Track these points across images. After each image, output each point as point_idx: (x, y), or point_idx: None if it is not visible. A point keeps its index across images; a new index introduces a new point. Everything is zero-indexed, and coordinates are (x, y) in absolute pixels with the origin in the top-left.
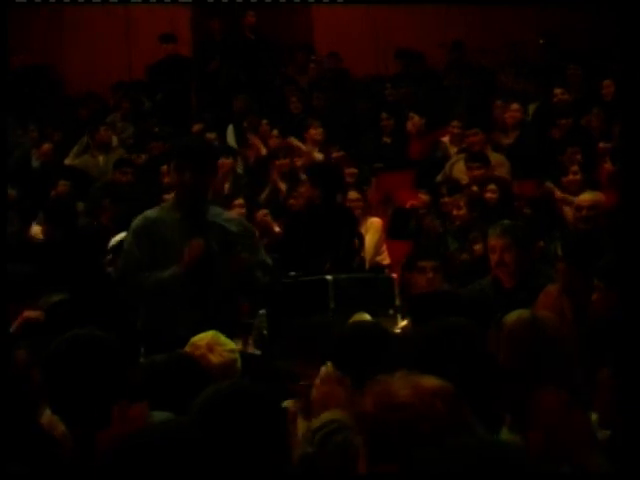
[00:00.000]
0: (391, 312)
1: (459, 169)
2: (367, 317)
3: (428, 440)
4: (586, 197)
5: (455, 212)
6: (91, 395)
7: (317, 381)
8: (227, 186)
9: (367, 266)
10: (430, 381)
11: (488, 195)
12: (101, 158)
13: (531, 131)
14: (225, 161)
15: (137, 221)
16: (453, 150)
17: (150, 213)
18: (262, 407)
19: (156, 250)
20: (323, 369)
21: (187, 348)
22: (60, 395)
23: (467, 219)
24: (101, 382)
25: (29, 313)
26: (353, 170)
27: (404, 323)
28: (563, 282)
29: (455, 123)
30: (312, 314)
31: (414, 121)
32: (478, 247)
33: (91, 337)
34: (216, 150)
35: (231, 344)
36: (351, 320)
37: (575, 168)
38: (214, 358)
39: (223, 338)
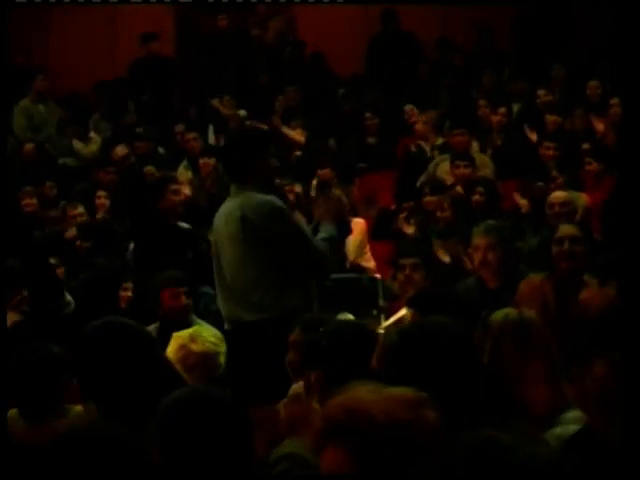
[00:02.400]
0: (375, 313)
1: (443, 170)
2: (350, 318)
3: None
4: (558, 194)
5: (439, 213)
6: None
7: (286, 400)
8: (210, 186)
9: (349, 267)
10: (407, 392)
11: (476, 198)
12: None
13: (516, 134)
14: (207, 161)
15: (279, 202)
16: (427, 150)
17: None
18: (222, 413)
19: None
20: (294, 387)
21: (172, 341)
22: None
23: (451, 220)
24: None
25: None
26: (326, 172)
27: (388, 322)
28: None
29: (421, 117)
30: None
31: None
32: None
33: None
34: None
35: (215, 338)
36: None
37: (555, 174)
38: (195, 347)
39: (207, 332)
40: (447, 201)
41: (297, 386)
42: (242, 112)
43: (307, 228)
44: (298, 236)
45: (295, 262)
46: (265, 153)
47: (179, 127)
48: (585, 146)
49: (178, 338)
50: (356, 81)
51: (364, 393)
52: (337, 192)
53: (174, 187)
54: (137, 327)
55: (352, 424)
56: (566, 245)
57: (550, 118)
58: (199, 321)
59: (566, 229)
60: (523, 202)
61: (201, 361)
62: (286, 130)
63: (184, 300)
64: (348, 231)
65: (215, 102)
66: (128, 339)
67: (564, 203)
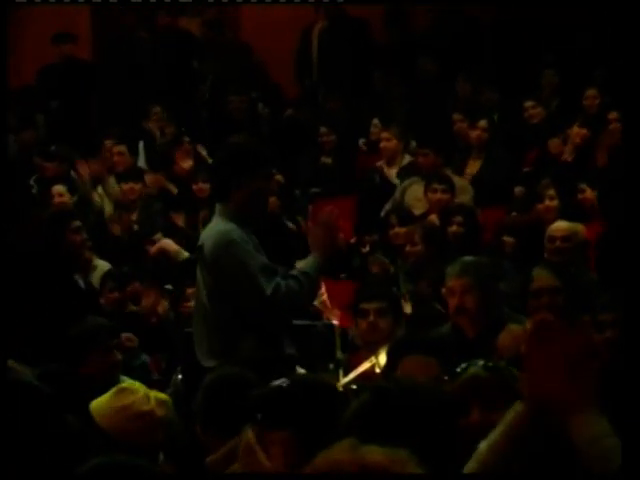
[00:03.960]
0: (331, 366)
1: (413, 195)
2: (301, 373)
3: None
4: (560, 226)
5: (409, 248)
6: None
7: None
8: (134, 217)
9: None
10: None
11: (454, 229)
12: None
13: (499, 153)
14: (134, 186)
15: (234, 233)
16: (392, 172)
17: (233, 226)
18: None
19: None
20: (247, 434)
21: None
22: None
23: (423, 256)
24: None
25: None
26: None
27: (348, 378)
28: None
29: (386, 134)
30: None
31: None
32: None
33: None
34: None
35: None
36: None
37: (551, 193)
38: (159, 411)
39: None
40: (419, 233)
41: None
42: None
43: (261, 264)
44: (240, 272)
45: (238, 303)
46: (256, 175)
47: (108, 143)
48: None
49: (142, 400)
50: (308, 89)
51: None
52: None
53: (75, 224)
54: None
55: None
56: (545, 298)
57: (553, 142)
58: (124, 378)
59: (543, 278)
60: (509, 240)
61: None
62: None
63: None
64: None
65: (156, 110)
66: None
67: (567, 237)
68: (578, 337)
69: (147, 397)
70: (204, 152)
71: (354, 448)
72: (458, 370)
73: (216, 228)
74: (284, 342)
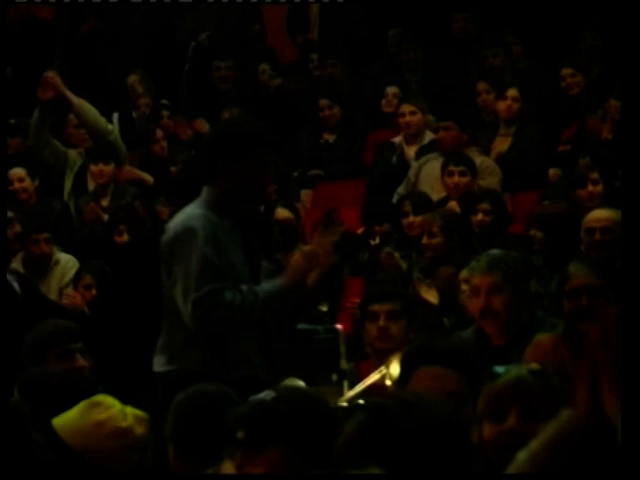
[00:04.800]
0: (335, 378)
1: (430, 176)
2: (300, 386)
3: None
4: (599, 215)
5: (426, 240)
6: None
7: None
8: (106, 202)
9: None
10: None
11: (479, 217)
12: None
13: (531, 128)
14: (104, 168)
15: (198, 221)
16: (411, 152)
17: (202, 214)
18: None
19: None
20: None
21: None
22: None
23: (443, 249)
24: None
25: None
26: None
27: (354, 392)
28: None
29: (410, 107)
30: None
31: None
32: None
33: None
34: None
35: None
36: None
37: (595, 176)
38: (138, 430)
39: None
40: (437, 222)
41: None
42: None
43: (210, 262)
44: (181, 264)
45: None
46: (246, 160)
47: (72, 116)
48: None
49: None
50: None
51: None
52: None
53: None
54: None
55: None
56: (584, 300)
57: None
58: None
59: (581, 276)
60: (538, 234)
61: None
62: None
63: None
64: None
65: (132, 79)
66: None
67: (609, 228)
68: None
69: (124, 413)
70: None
71: None
72: (500, 371)
73: (185, 211)
74: (252, 361)
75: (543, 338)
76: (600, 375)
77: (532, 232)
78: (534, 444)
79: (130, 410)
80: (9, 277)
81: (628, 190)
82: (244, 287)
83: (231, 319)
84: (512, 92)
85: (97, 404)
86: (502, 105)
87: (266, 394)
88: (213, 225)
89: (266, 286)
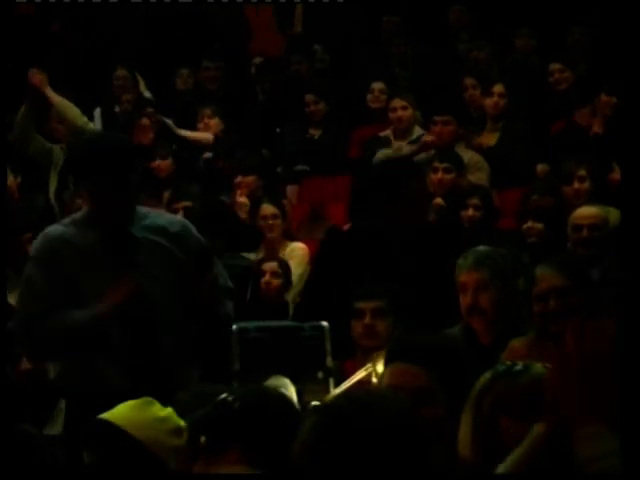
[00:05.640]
0: (320, 375)
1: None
2: (286, 384)
3: None
4: (586, 212)
5: None
6: None
7: None
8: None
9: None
10: None
11: (469, 213)
12: None
13: (519, 124)
14: None
15: (37, 243)
16: (398, 146)
17: (53, 231)
18: None
19: (65, 283)
20: None
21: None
22: None
23: None
24: None
25: None
26: (249, 179)
27: (340, 389)
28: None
29: (401, 102)
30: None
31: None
32: None
33: None
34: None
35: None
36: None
37: (582, 173)
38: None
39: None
40: None
41: None
42: (147, 93)
43: (32, 285)
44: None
45: None
46: (86, 181)
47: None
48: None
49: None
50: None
51: None
52: None
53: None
54: None
55: None
56: (552, 302)
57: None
58: None
59: (548, 279)
60: (536, 226)
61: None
62: (185, 132)
63: None
64: None
65: (119, 73)
66: None
67: (596, 225)
68: (592, 345)
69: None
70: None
71: None
72: (518, 368)
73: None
74: (109, 376)
75: (517, 343)
76: (573, 386)
77: (529, 225)
78: (510, 458)
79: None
80: None
81: (627, 186)
82: (57, 313)
83: (35, 345)
84: (498, 88)
85: (151, 402)
86: (489, 101)
87: (225, 395)
88: (54, 242)
89: (79, 314)
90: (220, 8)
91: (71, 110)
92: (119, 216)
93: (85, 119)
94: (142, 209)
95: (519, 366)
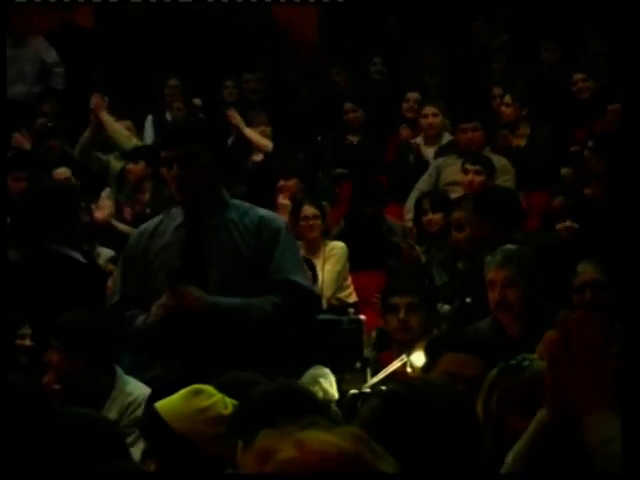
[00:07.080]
0: (358, 366)
1: (450, 175)
2: (326, 373)
3: None
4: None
5: (455, 234)
6: None
7: None
8: (146, 198)
9: (326, 305)
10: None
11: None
12: None
13: (545, 129)
14: (134, 167)
15: (131, 237)
16: (429, 152)
17: (148, 224)
18: None
19: (139, 275)
20: None
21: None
22: None
23: (478, 236)
24: None
25: None
26: (291, 182)
27: (376, 379)
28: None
29: (432, 109)
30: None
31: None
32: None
33: None
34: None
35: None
36: (304, 377)
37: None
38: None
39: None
40: (468, 212)
41: None
42: (197, 100)
43: None
44: None
45: None
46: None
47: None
48: None
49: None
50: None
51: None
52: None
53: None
54: None
55: None
56: (588, 294)
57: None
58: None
59: (587, 272)
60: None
61: None
62: (250, 132)
63: None
64: None
65: (172, 82)
66: None
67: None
68: (597, 333)
69: (224, 402)
70: None
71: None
72: (525, 364)
73: None
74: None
75: (551, 335)
76: (566, 373)
77: (566, 224)
78: (517, 445)
79: (230, 400)
80: (72, 253)
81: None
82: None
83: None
84: (506, 98)
85: (200, 392)
86: (504, 109)
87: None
88: (139, 236)
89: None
90: (258, 24)
91: (121, 134)
92: (188, 198)
93: (134, 141)
94: (243, 204)
95: (526, 361)
